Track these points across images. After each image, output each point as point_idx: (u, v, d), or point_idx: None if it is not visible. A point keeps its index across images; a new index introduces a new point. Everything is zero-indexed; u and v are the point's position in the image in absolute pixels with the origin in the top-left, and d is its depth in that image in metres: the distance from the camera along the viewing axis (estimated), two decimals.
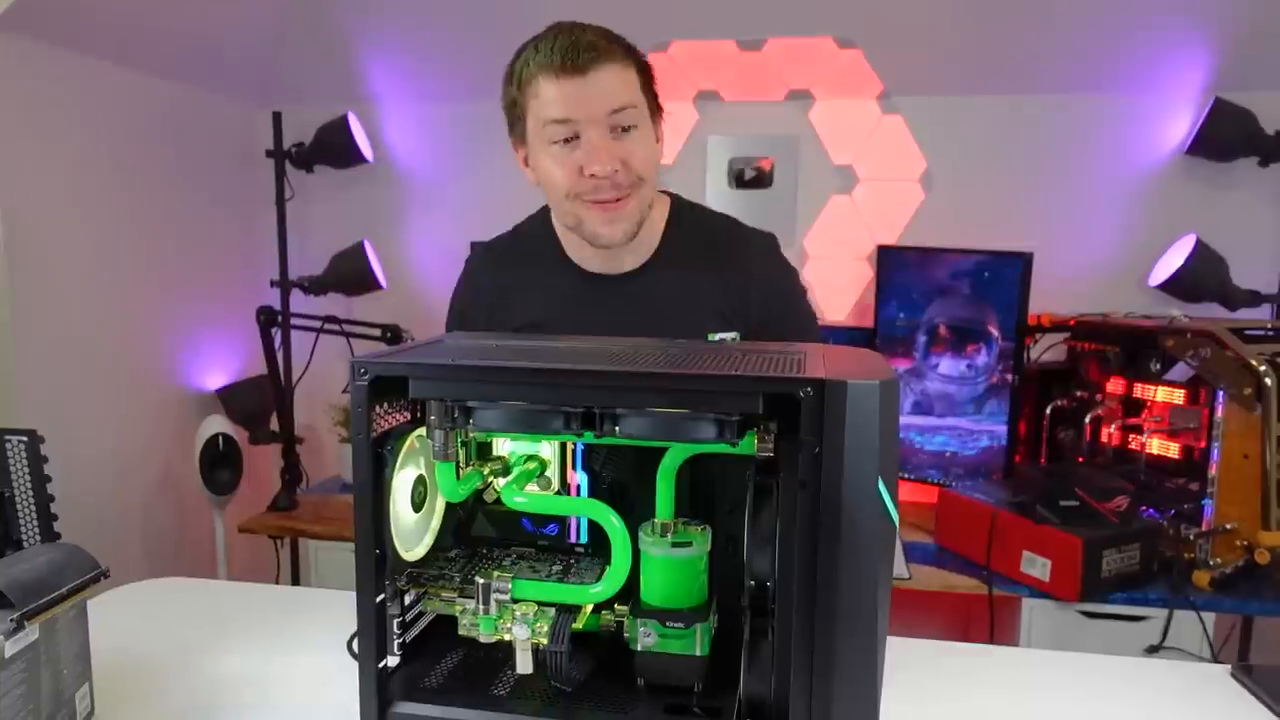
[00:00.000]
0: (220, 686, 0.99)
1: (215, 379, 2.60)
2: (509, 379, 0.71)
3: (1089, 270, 2.37)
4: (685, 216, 1.23)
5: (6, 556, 0.84)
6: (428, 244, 2.72)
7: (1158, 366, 1.92)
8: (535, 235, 1.24)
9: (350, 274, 2.59)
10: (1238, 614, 1.88)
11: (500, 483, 0.82)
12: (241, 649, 1.08)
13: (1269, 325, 1.93)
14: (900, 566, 1.87)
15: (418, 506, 0.83)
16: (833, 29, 2.32)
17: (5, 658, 0.74)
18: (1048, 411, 2.13)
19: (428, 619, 0.86)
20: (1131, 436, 1.98)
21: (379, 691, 0.76)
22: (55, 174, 2.03)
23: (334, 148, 2.58)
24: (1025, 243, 2.10)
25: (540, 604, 0.78)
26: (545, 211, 1.23)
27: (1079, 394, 2.11)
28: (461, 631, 0.80)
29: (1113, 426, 2.02)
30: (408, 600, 0.81)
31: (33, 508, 1.04)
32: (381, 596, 0.77)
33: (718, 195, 2.51)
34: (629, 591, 0.78)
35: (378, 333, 2.43)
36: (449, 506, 0.88)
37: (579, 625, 0.79)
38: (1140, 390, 1.97)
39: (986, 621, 1.83)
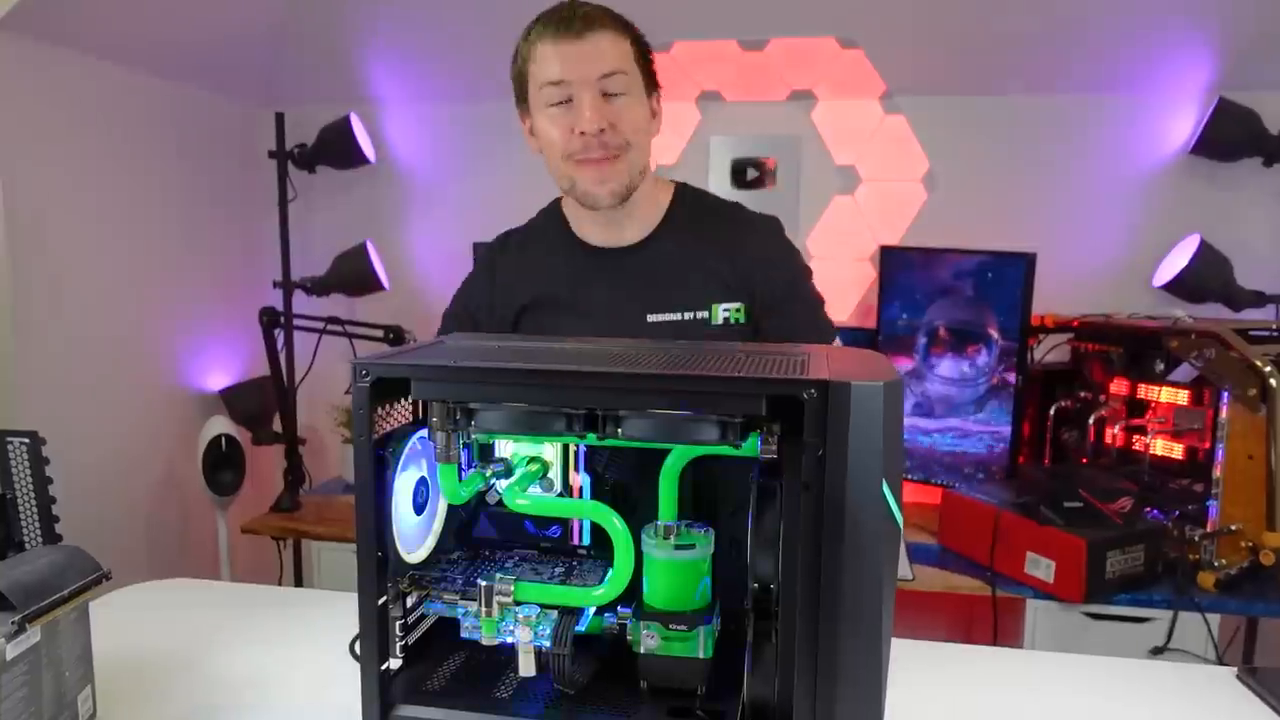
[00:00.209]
0: (223, 688, 0.98)
1: (218, 380, 2.60)
2: (511, 380, 0.70)
3: (1092, 271, 2.37)
4: (689, 197, 1.29)
5: (8, 558, 0.84)
6: (430, 244, 2.72)
7: (1162, 367, 1.91)
8: (544, 220, 1.32)
9: (352, 275, 2.58)
10: (1242, 615, 1.87)
11: (503, 484, 0.82)
12: (244, 650, 1.08)
13: (1274, 326, 1.92)
14: (903, 567, 1.86)
15: (420, 508, 0.83)
16: (835, 29, 2.31)
17: (7, 660, 0.73)
18: (1051, 412, 2.12)
19: (430, 621, 0.86)
20: (1135, 437, 1.98)
21: (381, 694, 0.76)
22: (58, 175, 2.03)
23: (336, 148, 2.58)
24: (1028, 243, 2.10)
25: (543, 606, 0.78)
26: (556, 201, 1.31)
27: (1083, 395, 2.11)
28: (464, 634, 0.80)
29: (1117, 427, 2.01)
30: (410, 602, 0.81)
31: (34, 509, 1.04)
32: (383, 599, 0.77)
33: (720, 196, 2.50)
34: (632, 594, 0.78)
35: (380, 333, 2.43)
36: (451, 508, 0.87)
37: (581, 628, 0.78)
38: (1144, 391, 1.96)
39: (990, 623, 1.83)
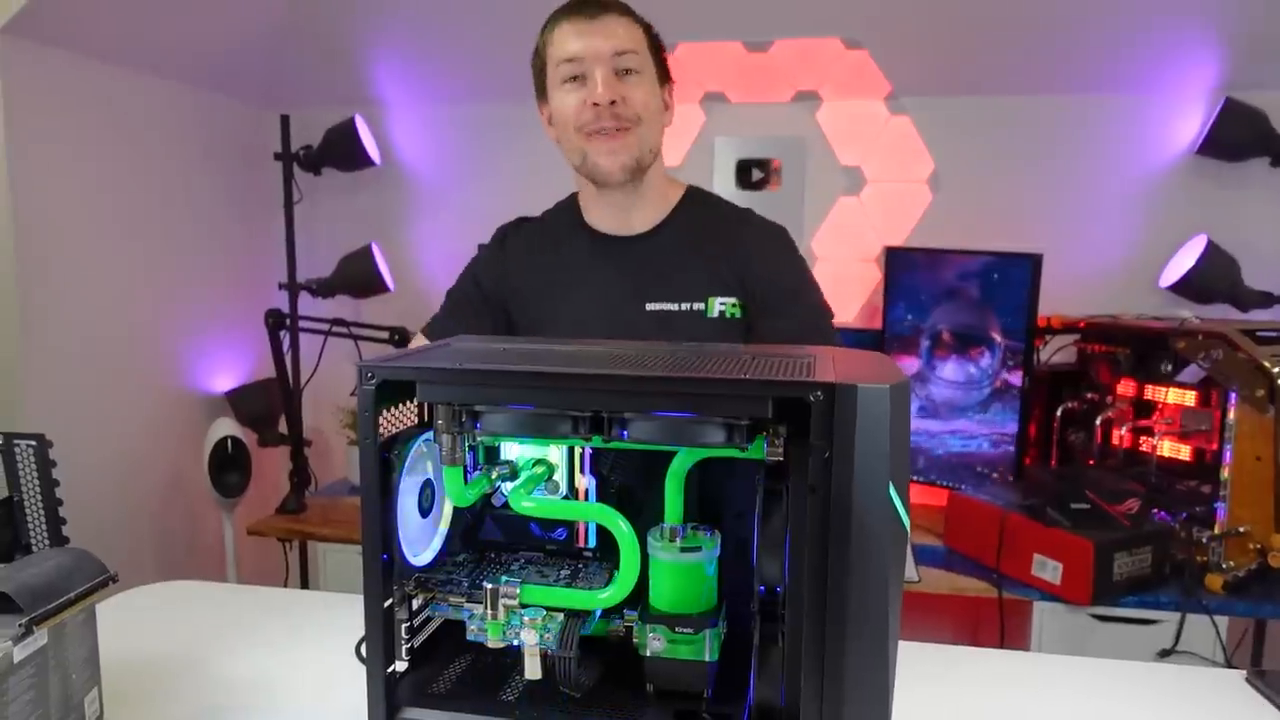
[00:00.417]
0: (229, 690, 0.99)
1: (224, 382, 2.61)
2: (517, 383, 0.70)
3: (1099, 272, 2.36)
4: (699, 197, 1.33)
5: (15, 561, 0.84)
6: (435, 246, 2.73)
7: (1169, 368, 1.90)
8: (559, 209, 1.37)
9: (358, 276, 2.59)
10: (1251, 618, 1.86)
11: (508, 487, 0.81)
12: (250, 652, 1.08)
13: None
14: (909, 569, 1.86)
15: (425, 511, 0.83)
16: (840, 30, 2.31)
17: (14, 663, 0.74)
18: (1058, 414, 2.12)
19: (436, 624, 0.85)
20: (1142, 439, 1.97)
21: (387, 697, 0.76)
22: (64, 177, 2.04)
23: (341, 150, 2.59)
24: (1034, 244, 2.09)
25: (549, 609, 0.78)
26: (573, 195, 1.35)
27: (1089, 396, 2.10)
28: (469, 636, 0.80)
29: (1123, 428, 2.00)
30: (415, 605, 0.81)
31: (41, 512, 1.04)
32: (389, 601, 0.77)
33: (725, 197, 2.50)
34: (638, 597, 0.78)
35: (385, 335, 2.43)
36: (457, 511, 0.87)
37: (587, 630, 0.78)
38: (1151, 392, 1.95)
39: (997, 625, 1.82)
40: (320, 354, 2.49)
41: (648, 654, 0.76)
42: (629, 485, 0.86)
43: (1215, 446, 1.78)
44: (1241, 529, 1.72)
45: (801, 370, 0.69)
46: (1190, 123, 2.29)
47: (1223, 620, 1.72)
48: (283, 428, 2.56)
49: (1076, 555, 1.69)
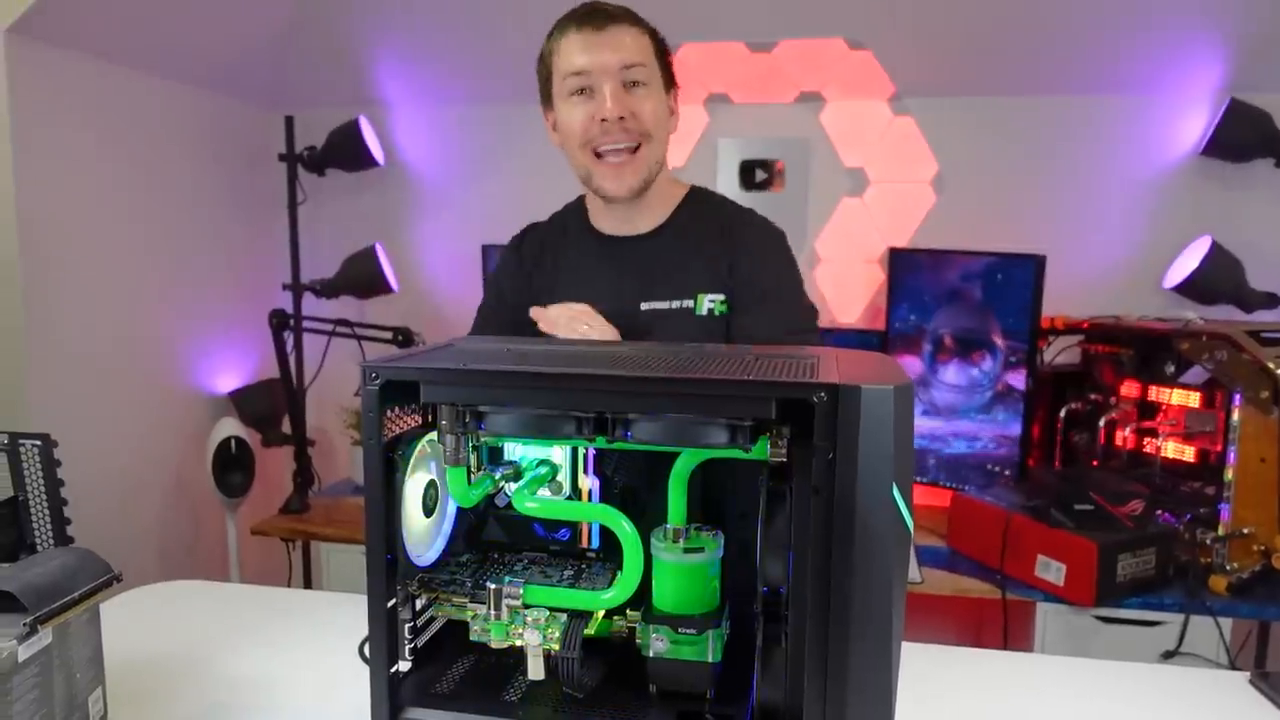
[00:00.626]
0: (232, 689, 0.99)
1: (227, 382, 2.61)
2: (521, 384, 0.70)
3: (1102, 273, 2.36)
4: (700, 197, 1.34)
5: (20, 560, 0.85)
6: (439, 247, 2.73)
7: (1172, 369, 1.90)
8: (567, 211, 1.39)
9: (362, 277, 2.59)
10: (1255, 619, 1.86)
11: (511, 488, 0.82)
12: (253, 652, 1.08)
13: None
14: (913, 570, 1.85)
15: (429, 511, 0.83)
16: (843, 30, 2.31)
17: (19, 662, 0.74)
18: (1062, 415, 2.11)
19: (439, 624, 0.86)
20: (1146, 440, 1.96)
21: (390, 697, 0.76)
22: (69, 179, 2.05)
23: (345, 151, 2.59)
24: (1038, 245, 2.09)
25: (552, 609, 0.78)
26: (581, 196, 1.36)
27: (1093, 397, 2.10)
28: (473, 637, 0.80)
29: (1127, 430, 2.00)
30: (419, 605, 0.81)
31: (46, 512, 1.04)
32: (393, 602, 0.77)
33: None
34: (641, 597, 0.78)
35: (389, 335, 2.43)
36: (460, 511, 0.87)
37: (590, 631, 0.78)
38: (1155, 393, 1.95)
39: (1000, 626, 1.82)
40: (324, 354, 2.49)
41: (651, 655, 0.76)
42: (632, 486, 0.86)
43: (1219, 448, 1.78)
44: (1245, 530, 1.71)
45: (805, 371, 0.69)
46: (1195, 124, 2.29)
47: (1226, 622, 1.71)
48: (286, 428, 2.57)
49: (1080, 556, 1.69)
